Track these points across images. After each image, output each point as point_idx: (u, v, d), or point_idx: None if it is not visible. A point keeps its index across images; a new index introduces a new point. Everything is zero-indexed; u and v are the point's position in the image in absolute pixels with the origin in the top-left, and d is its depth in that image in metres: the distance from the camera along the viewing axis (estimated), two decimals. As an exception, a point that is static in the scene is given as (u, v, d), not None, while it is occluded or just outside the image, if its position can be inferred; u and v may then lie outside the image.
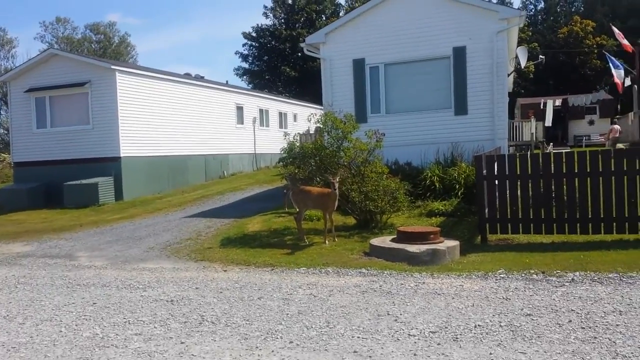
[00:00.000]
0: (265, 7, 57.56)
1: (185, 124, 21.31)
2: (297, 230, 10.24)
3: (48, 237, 12.14)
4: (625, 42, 25.03)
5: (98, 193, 17.11)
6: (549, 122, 29.39)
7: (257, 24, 57.50)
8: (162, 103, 20.13)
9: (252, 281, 7.23)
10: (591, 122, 32.03)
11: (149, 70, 21.03)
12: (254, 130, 26.69)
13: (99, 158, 18.05)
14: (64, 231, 12.81)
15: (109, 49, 57.99)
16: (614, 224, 8.37)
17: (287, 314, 5.71)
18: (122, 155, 18.02)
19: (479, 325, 5.05)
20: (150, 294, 6.80)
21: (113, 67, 18.57)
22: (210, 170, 22.88)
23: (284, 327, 5.31)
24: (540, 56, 22.01)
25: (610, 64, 25.59)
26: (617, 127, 26.73)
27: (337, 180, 9.47)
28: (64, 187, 17.47)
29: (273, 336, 5.08)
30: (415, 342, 4.74)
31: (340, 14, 55.91)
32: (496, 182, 9.05)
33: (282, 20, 56.82)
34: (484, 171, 9.05)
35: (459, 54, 14.12)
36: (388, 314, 5.53)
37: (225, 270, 8.03)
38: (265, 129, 27.82)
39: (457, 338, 4.78)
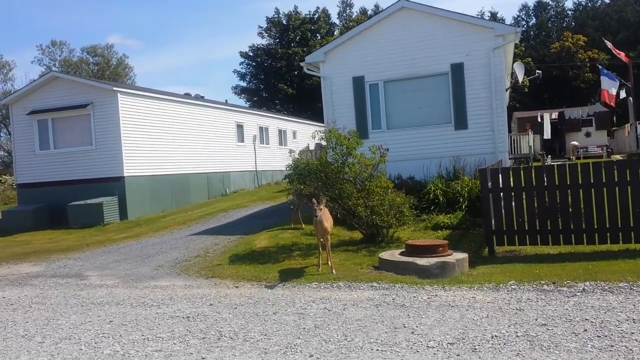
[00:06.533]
0: (260, 27, 58.21)
1: (186, 143, 21.45)
2: (304, 246, 10.35)
3: (56, 257, 12.15)
4: (619, 52, 25.37)
5: (103, 213, 17.16)
6: (547, 134, 29.72)
7: (253, 44, 58.01)
8: (164, 123, 20.29)
9: (265, 297, 7.29)
10: (588, 134, 32.36)
11: (149, 91, 21.19)
12: (255, 148, 26.84)
13: (102, 178, 18.11)
14: (71, 251, 12.83)
15: (107, 71, 58.33)
16: (620, 233, 8.46)
17: (304, 328, 5.77)
18: (125, 174, 18.11)
19: (495, 336, 5.12)
20: (165, 311, 6.86)
21: (115, 88, 18.74)
22: (212, 188, 22.97)
23: (302, 341, 5.37)
24: (537, 71, 22.24)
25: (602, 77, 25.85)
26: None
27: (320, 207, 8.51)
28: (68, 208, 17.53)
29: (292, 350, 5.14)
30: (434, 354, 4.81)
31: (335, 33, 56.44)
32: (501, 194, 9.16)
33: (277, 40, 57.33)
34: (489, 184, 9.16)
35: (457, 70, 14.31)
36: (404, 327, 5.60)
37: (236, 287, 8.08)
38: (265, 147, 27.98)
39: (475, 349, 4.85)
